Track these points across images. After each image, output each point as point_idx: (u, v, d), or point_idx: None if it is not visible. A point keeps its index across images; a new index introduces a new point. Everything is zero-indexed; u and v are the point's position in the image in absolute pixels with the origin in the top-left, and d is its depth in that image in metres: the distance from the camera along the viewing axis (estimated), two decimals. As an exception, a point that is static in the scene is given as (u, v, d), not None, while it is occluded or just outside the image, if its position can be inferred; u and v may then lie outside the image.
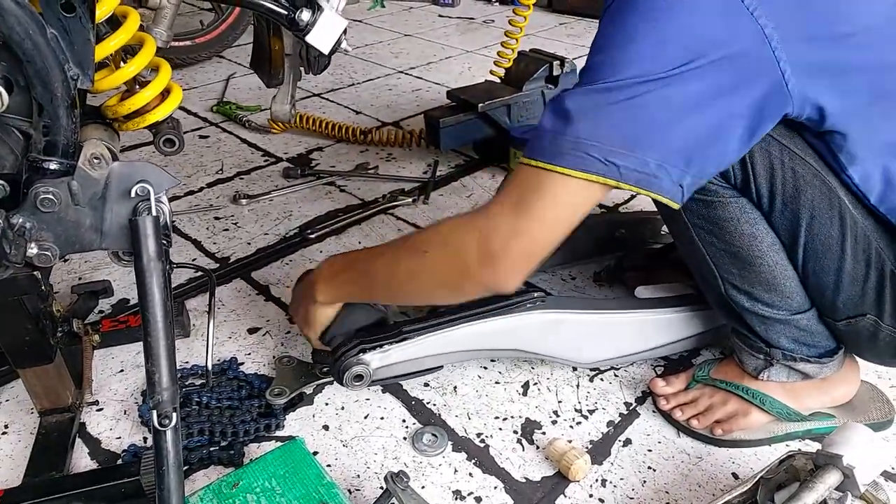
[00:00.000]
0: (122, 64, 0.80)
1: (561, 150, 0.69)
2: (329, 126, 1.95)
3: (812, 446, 0.98)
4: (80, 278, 1.36)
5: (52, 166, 0.66)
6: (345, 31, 0.69)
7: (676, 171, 0.69)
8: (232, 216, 1.59)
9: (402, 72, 2.59)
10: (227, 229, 1.54)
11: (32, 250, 0.66)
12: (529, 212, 0.72)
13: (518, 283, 0.78)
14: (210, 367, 0.74)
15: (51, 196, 0.65)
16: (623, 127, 0.68)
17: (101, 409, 1.05)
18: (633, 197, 1.65)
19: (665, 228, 1.34)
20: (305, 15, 0.68)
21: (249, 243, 1.48)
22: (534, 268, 0.77)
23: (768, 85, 0.69)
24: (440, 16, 3.43)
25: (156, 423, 0.67)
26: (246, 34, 2.77)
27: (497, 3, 3.57)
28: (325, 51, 0.70)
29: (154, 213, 0.68)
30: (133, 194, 0.69)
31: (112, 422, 1.03)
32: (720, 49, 0.67)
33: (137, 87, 0.81)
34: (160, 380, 0.66)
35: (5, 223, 0.62)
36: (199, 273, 1.38)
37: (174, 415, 0.67)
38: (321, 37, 0.68)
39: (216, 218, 1.58)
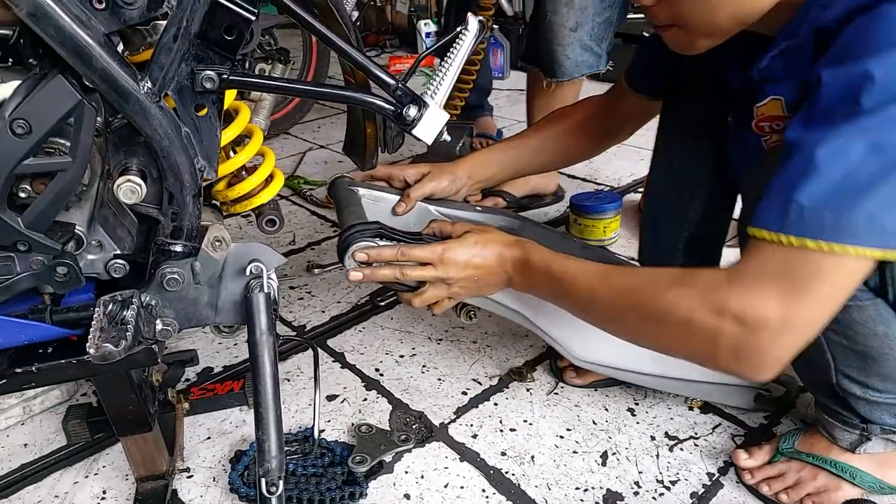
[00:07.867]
0: (231, 153, 0.88)
1: (852, 226, 0.59)
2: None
3: (909, 522, 0.94)
4: (165, 348, 1.42)
5: (178, 249, 0.72)
6: (445, 123, 0.75)
7: None
8: (306, 285, 1.65)
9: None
10: (301, 298, 1.60)
11: (157, 326, 0.71)
12: (806, 300, 0.63)
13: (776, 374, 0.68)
14: (317, 434, 0.77)
15: (176, 276, 0.71)
16: None
17: (191, 476, 1.09)
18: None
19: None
20: (412, 111, 0.74)
21: (324, 311, 1.54)
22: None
23: None
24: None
25: (264, 491, 0.70)
26: (312, 111, 2.94)
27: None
28: (429, 142, 0.75)
29: (266, 290, 0.74)
30: (248, 272, 0.75)
31: (202, 489, 1.06)
32: None
33: (244, 172, 0.88)
34: (269, 448, 0.70)
35: (139, 302, 0.67)
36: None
37: (280, 483, 0.71)
38: (426, 130, 0.74)
39: (291, 287, 1.65)
